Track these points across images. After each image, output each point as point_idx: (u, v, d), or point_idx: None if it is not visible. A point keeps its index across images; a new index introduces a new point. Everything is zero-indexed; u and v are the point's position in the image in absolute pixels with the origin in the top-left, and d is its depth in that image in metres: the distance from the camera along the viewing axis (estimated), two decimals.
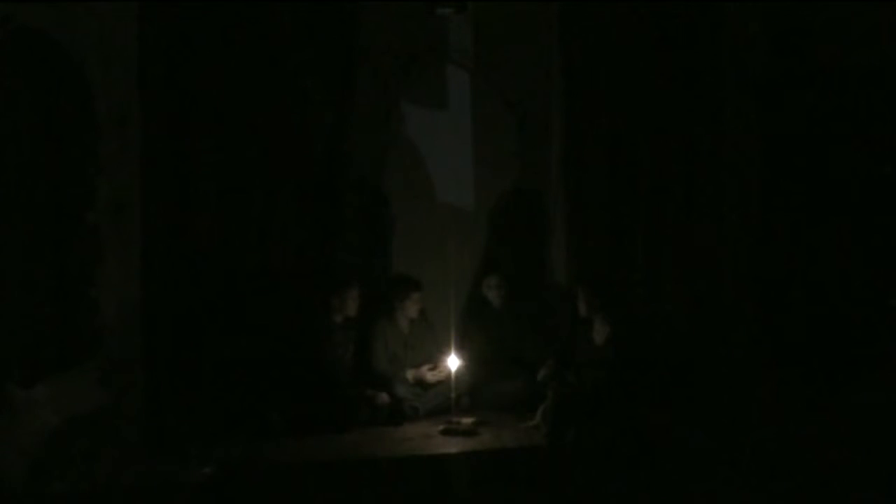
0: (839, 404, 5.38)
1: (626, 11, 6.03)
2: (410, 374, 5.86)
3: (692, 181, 6.06)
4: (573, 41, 6.13)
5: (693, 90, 6.03)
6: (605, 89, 6.10)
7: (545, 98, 6.40)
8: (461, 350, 5.73)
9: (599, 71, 6.10)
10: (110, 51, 4.92)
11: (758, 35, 5.94)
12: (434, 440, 5.30)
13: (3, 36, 4.52)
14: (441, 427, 5.42)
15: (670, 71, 6.05)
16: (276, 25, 5.70)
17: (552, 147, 6.38)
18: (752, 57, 5.95)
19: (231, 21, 5.57)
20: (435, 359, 5.89)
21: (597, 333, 5.68)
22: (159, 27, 5.27)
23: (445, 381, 5.71)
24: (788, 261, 5.93)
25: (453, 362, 5.62)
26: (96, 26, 4.87)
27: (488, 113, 6.41)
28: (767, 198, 5.96)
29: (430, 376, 5.82)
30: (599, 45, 6.09)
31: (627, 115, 6.08)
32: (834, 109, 5.96)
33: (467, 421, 5.42)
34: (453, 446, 5.20)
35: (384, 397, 5.64)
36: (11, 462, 4.46)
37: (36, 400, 4.60)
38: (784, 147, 5.97)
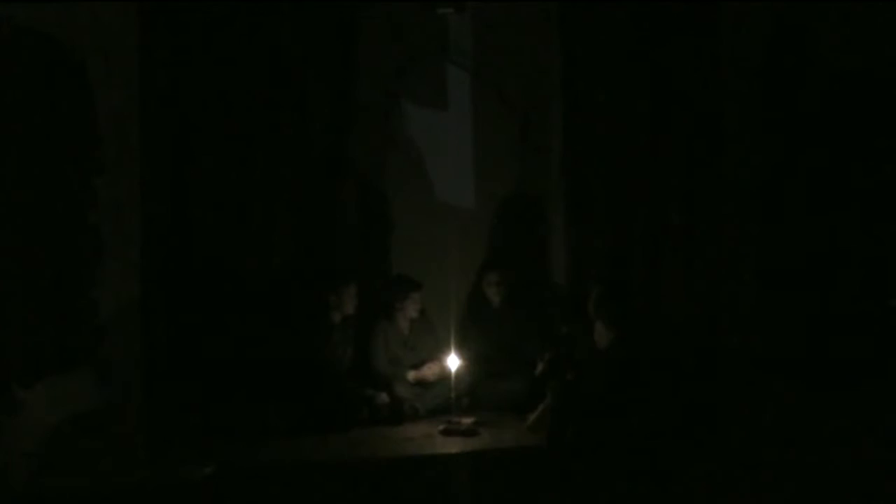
0: (839, 404, 5.38)
1: (626, 11, 6.03)
2: (410, 375, 5.86)
3: (692, 181, 6.06)
4: (573, 41, 6.13)
5: (693, 90, 6.03)
6: (606, 89, 6.09)
7: (545, 98, 6.40)
8: (461, 349, 5.72)
9: (599, 71, 6.10)
10: (110, 51, 4.92)
11: (758, 34, 5.94)
12: (434, 440, 5.30)
13: (3, 35, 4.52)
14: (441, 427, 5.42)
15: (670, 71, 6.04)
16: (276, 25, 5.70)
17: (552, 147, 6.38)
18: (751, 56, 5.95)
19: (231, 21, 5.58)
20: (434, 358, 5.89)
21: (600, 335, 5.67)
22: (160, 27, 5.27)
23: (441, 377, 5.72)
24: (789, 260, 5.93)
25: (453, 362, 5.61)
26: (96, 26, 4.87)
27: (488, 113, 6.41)
28: (768, 197, 5.96)
29: (427, 371, 5.82)
30: (599, 45, 6.08)
31: (628, 116, 6.08)
32: (834, 109, 5.95)
33: (467, 421, 5.42)
34: (453, 446, 5.19)
35: (384, 397, 5.65)
36: (11, 462, 4.46)
37: (36, 400, 4.60)
38: (784, 147, 5.97)
